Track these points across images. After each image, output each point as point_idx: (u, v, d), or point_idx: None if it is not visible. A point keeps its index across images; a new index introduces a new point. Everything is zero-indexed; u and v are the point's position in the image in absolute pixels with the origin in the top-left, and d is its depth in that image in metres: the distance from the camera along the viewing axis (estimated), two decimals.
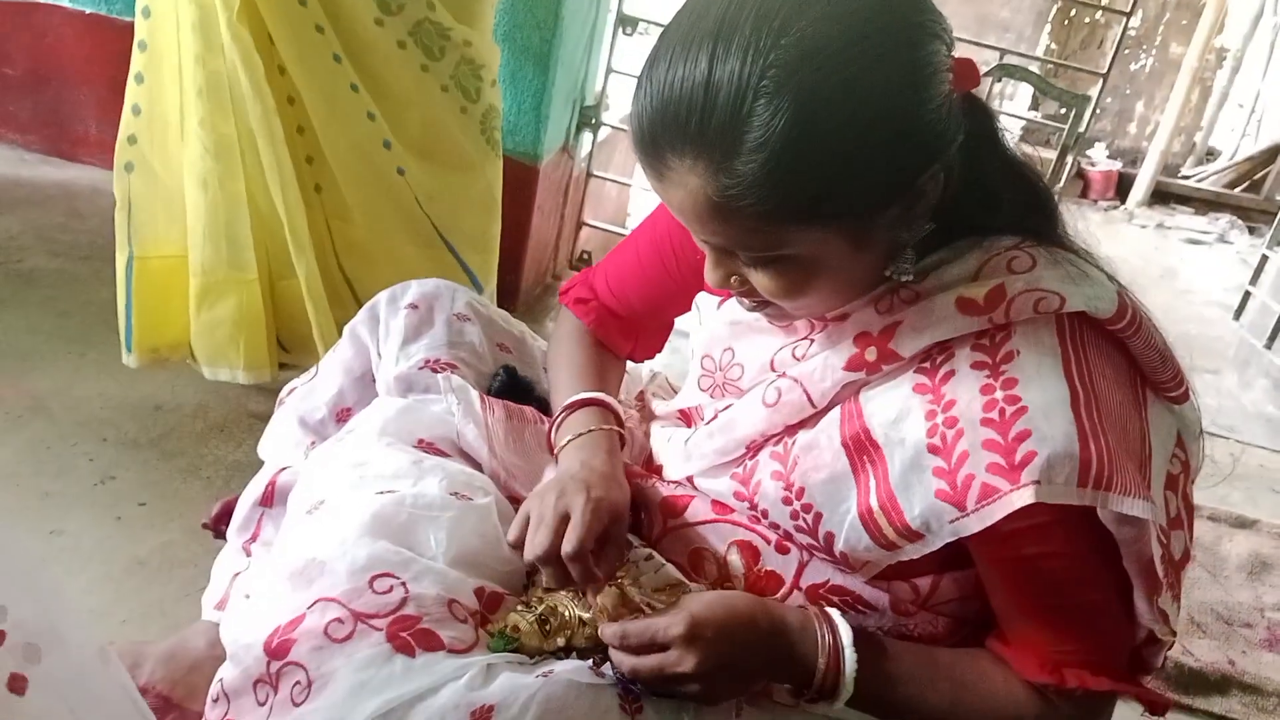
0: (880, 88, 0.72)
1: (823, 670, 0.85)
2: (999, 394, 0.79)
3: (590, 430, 1.06)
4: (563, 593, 0.94)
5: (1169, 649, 0.90)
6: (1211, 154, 7.90)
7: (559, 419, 1.10)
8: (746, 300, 0.89)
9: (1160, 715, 0.91)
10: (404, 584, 0.87)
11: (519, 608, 0.93)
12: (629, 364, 1.28)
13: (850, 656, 0.85)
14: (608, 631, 0.87)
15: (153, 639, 1.22)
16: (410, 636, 0.84)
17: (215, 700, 0.89)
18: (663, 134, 0.75)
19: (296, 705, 0.83)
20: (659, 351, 1.29)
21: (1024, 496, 0.75)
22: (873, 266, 0.85)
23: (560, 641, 0.91)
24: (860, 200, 0.76)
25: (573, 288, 1.25)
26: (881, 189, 0.76)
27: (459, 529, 0.94)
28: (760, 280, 0.83)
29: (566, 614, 0.92)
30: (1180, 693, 1.84)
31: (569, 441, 1.05)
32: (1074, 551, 0.82)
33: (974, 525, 0.78)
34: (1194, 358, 0.92)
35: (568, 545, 0.89)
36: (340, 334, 1.30)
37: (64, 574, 1.53)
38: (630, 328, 1.23)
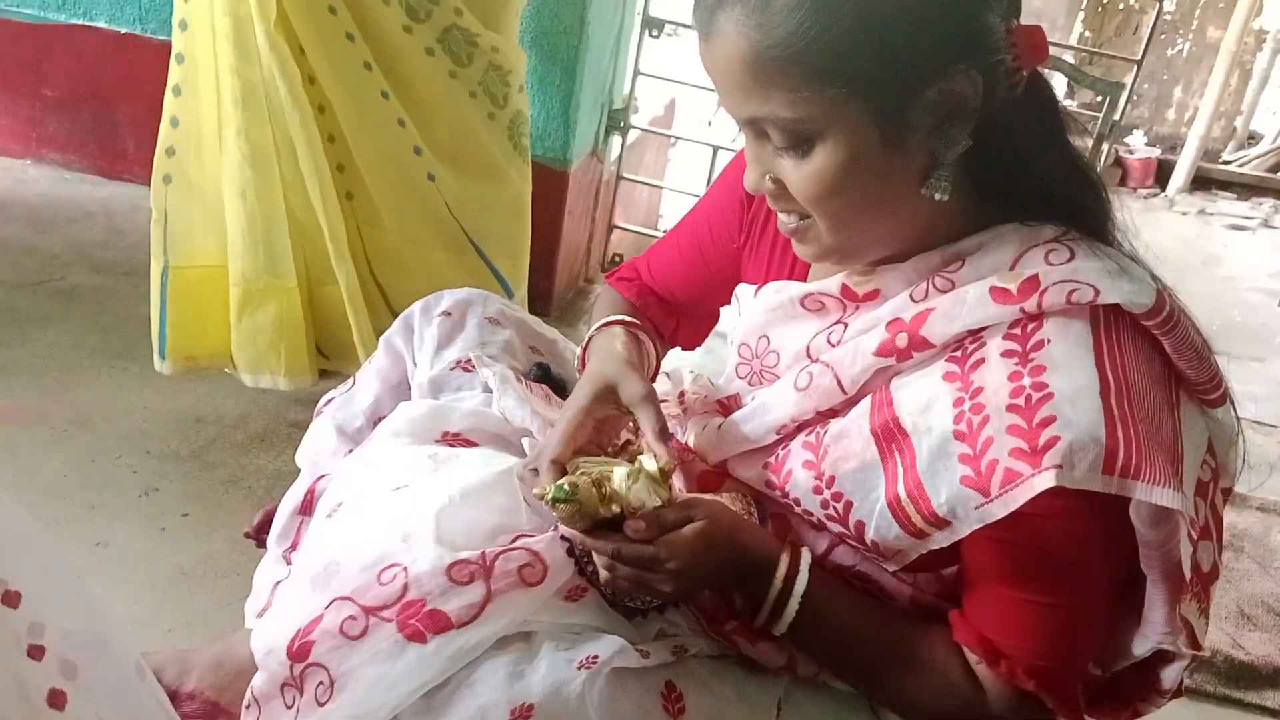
0: None
1: (778, 586, 0.89)
2: (1026, 380, 0.78)
3: (608, 324, 1.13)
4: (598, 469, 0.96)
5: (1191, 666, 0.87)
6: (1253, 138, 7.76)
7: (587, 341, 1.14)
8: (785, 218, 0.89)
9: None
10: (404, 569, 0.88)
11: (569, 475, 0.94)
12: (670, 365, 1.28)
13: (799, 591, 0.88)
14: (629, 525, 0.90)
15: (197, 647, 1.23)
16: (419, 623, 0.85)
17: (248, 707, 0.91)
18: None
19: (321, 705, 0.85)
20: (700, 343, 1.30)
21: (1045, 480, 0.74)
22: (905, 177, 0.83)
23: (615, 509, 0.91)
24: (887, 67, 0.76)
25: (618, 270, 1.28)
26: (910, 63, 0.76)
27: (474, 505, 0.95)
28: (792, 174, 0.82)
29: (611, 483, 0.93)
30: (1231, 687, 1.81)
31: (589, 340, 1.13)
32: (1080, 555, 0.80)
33: (998, 511, 0.77)
34: (1239, 345, 0.90)
35: (546, 453, 0.95)
36: (379, 340, 1.31)
37: (109, 585, 1.56)
38: (671, 309, 1.24)
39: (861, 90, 0.77)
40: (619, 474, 0.91)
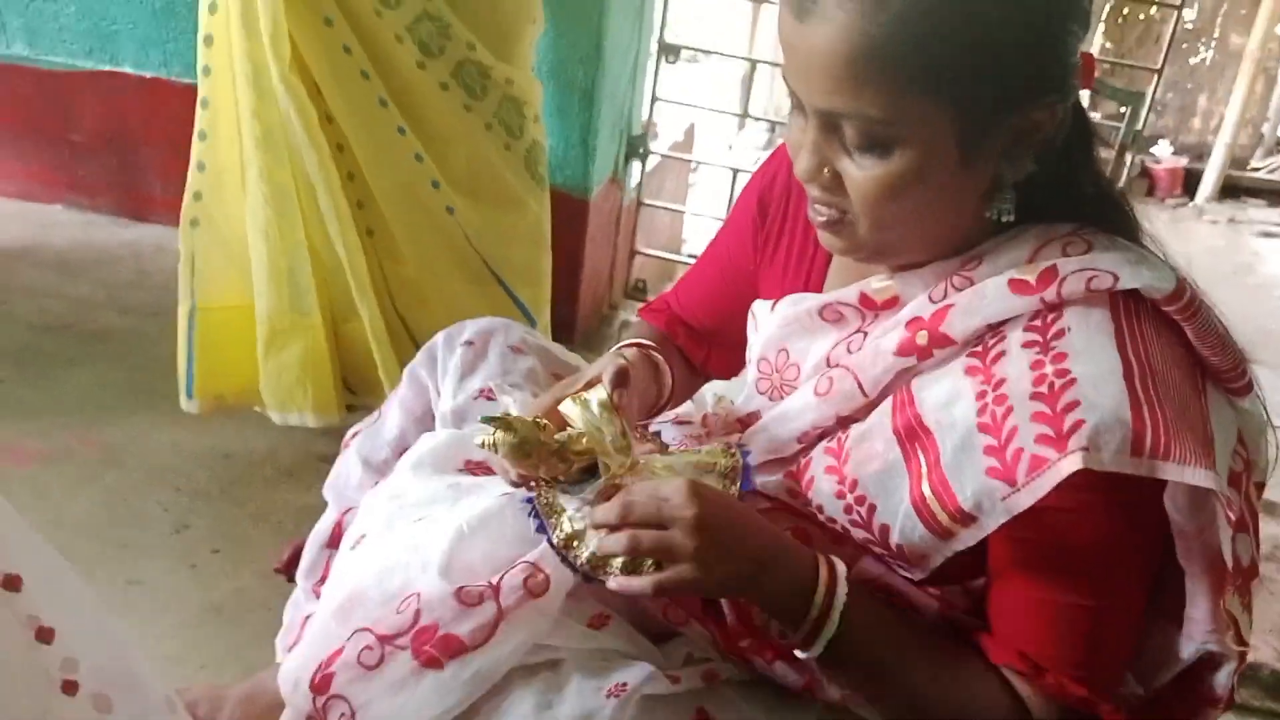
0: None
1: (820, 600, 0.82)
2: (1049, 368, 0.77)
3: (622, 347, 1.10)
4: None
5: (1240, 668, 0.83)
6: None
7: None
8: (823, 210, 0.85)
9: None
10: (417, 595, 0.87)
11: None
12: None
13: (843, 590, 0.82)
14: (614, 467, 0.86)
15: (229, 683, 1.23)
16: (433, 648, 0.85)
17: None
18: None
19: None
20: (735, 373, 1.27)
21: (1072, 463, 0.73)
22: (970, 197, 0.83)
23: (558, 439, 0.88)
24: (990, 88, 0.75)
25: (650, 304, 1.28)
26: (1008, 87, 0.76)
27: (488, 534, 0.93)
28: (856, 172, 0.80)
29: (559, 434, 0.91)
30: (1277, 700, 1.76)
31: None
32: (1110, 552, 0.78)
33: (1025, 500, 0.76)
34: (1274, 354, 0.88)
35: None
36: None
37: (142, 622, 1.57)
38: (701, 338, 1.23)
39: (958, 106, 0.75)
40: (565, 404, 0.90)
